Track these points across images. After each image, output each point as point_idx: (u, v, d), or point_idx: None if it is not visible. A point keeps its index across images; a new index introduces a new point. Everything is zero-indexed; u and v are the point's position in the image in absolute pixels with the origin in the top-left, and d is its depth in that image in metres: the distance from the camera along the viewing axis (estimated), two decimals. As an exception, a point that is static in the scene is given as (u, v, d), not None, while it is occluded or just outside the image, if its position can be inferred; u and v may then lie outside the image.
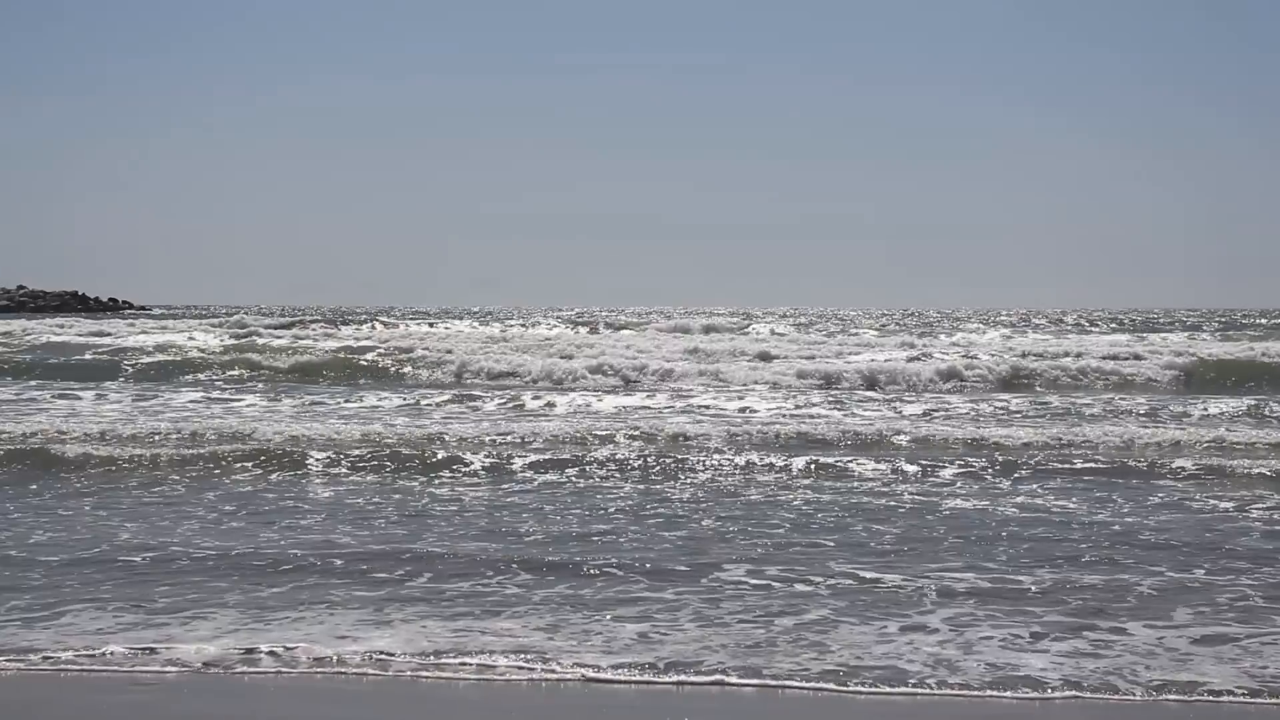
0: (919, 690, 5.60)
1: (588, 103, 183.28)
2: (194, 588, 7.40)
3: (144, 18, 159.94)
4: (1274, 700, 5.48)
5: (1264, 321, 56.78)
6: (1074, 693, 5.57)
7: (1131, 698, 5.53)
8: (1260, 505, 10.21)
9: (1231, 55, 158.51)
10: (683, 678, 5.74)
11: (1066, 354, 25.37)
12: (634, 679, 5.72)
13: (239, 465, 12.27)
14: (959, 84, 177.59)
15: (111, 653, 6.02)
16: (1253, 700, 5.48)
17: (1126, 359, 24.50)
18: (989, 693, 5.57)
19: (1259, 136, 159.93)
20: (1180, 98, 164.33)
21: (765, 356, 25.52)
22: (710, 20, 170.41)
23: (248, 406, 18.50)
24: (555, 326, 46.51)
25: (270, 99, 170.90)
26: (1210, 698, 5.52)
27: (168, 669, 5.83)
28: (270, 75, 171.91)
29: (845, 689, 5.61)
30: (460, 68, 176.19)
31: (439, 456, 12.56)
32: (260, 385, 22.48)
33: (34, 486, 11.23)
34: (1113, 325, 49.74)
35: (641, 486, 11.19)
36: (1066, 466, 12.26)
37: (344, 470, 12.08)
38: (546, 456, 12.62)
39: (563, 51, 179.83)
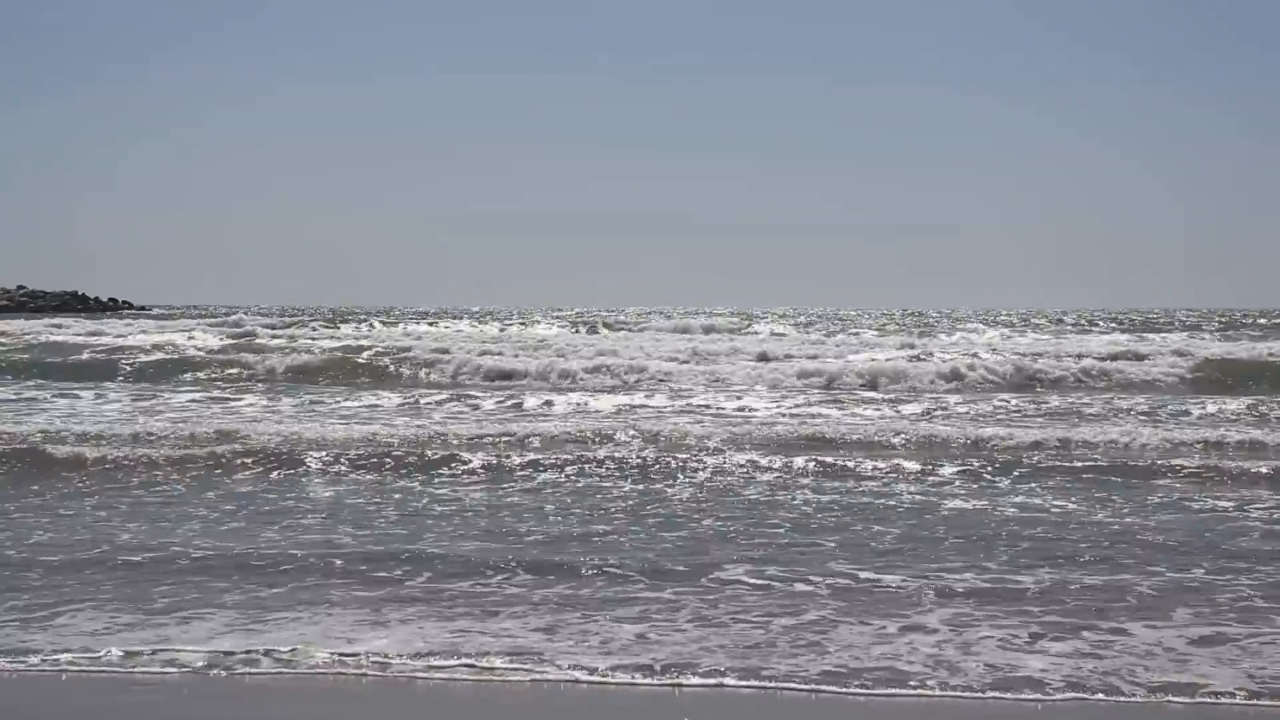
0: (920, 691, 5.58)
1: (589, 103, 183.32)
2: (194, 588, 7.39)
3: (144, 17, 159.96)
4: (1274, 702, 5.46)
5: (1264, 321, 56.73)
6: (1074, 694, 5.55)
7: (1132, 699, 5.51)
8: (1259, 505, 10.20)
9: (1231, 55, 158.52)
10: (680, 679, 5.72)
11: (1067, 354, 25.31)
12: (631, 680, 5.71)
13: (238, 464, 12.26)
14: (958, 84, 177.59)
15: (110, 654, 6.01)
16: (1252, 702, 5.46)
17: (1127, 358, 24.44)
18: (989, 694, 5.55)
19: (1259, 137, 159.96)
20: (1180, 97, 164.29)
21: (764, 357, 25.40)
22: (710, 21, 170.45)
23: (247, 406, 18.49)
24: (553, 327, 46.37)
25: (270, 99, 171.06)
26: (1210, 699, 5.50)
27: (168, 670, 5.83)
28: (270, 75, 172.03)
29: (844, 690, 5.59)
30: (460, 68, 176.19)
31: (438, 456, 12.55)
32: (260, 385, 22.47)
33: (35, 486, 11.20)
34: (1112, 325, 49.63)
35: (641, 486, 11.17)
36: (1065, 466, 12.21)
37: (343, 469, 12.06)
38: (544, 456, 12.60)
39: (563, 52, 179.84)
